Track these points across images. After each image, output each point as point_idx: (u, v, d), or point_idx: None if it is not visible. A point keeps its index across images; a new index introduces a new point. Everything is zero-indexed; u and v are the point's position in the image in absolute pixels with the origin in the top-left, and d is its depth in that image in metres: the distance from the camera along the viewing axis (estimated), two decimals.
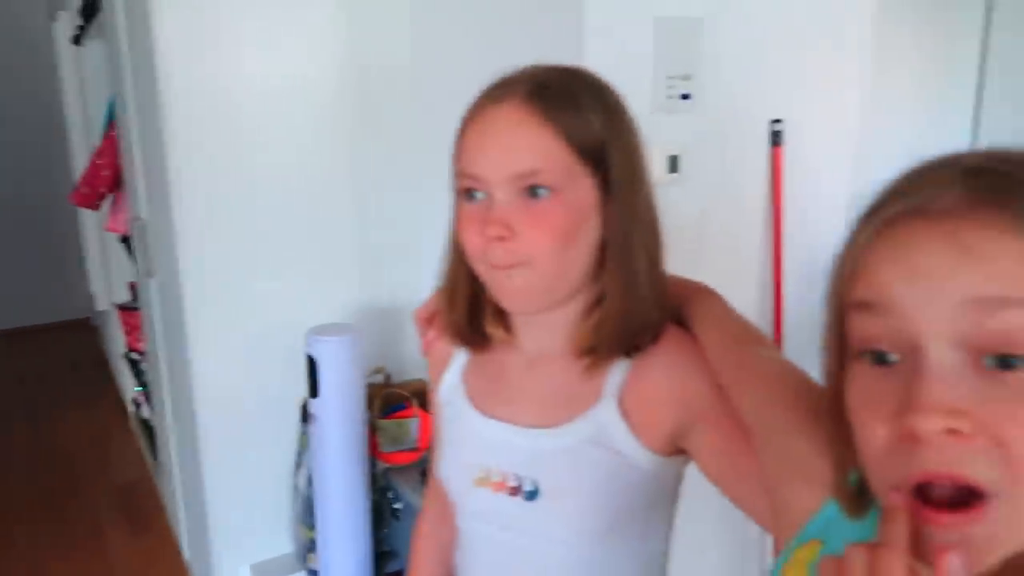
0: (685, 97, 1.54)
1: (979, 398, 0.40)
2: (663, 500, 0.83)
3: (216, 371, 1.77)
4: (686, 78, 1.54)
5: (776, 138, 1.65)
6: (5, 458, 3.11)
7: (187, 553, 2.28)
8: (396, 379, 1.91)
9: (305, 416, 1.67)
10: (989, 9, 2.27)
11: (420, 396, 1.79)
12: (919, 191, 0.45)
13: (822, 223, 1.72)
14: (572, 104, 0.73)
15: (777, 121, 1.64)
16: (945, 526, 0.41)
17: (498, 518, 0.82)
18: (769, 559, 1.73)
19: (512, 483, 0.80)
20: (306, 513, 1.71)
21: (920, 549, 0.42)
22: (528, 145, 0.72)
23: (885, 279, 0.44)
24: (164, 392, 2.23)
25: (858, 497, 0.51)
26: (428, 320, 0.92)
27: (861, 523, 0.52)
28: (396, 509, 1.71)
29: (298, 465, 1.76)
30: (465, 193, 0.76)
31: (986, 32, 2.25)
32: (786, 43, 1.63)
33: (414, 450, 1.77)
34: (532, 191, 0.72)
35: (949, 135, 2.13)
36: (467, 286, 0.83)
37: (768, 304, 1.66)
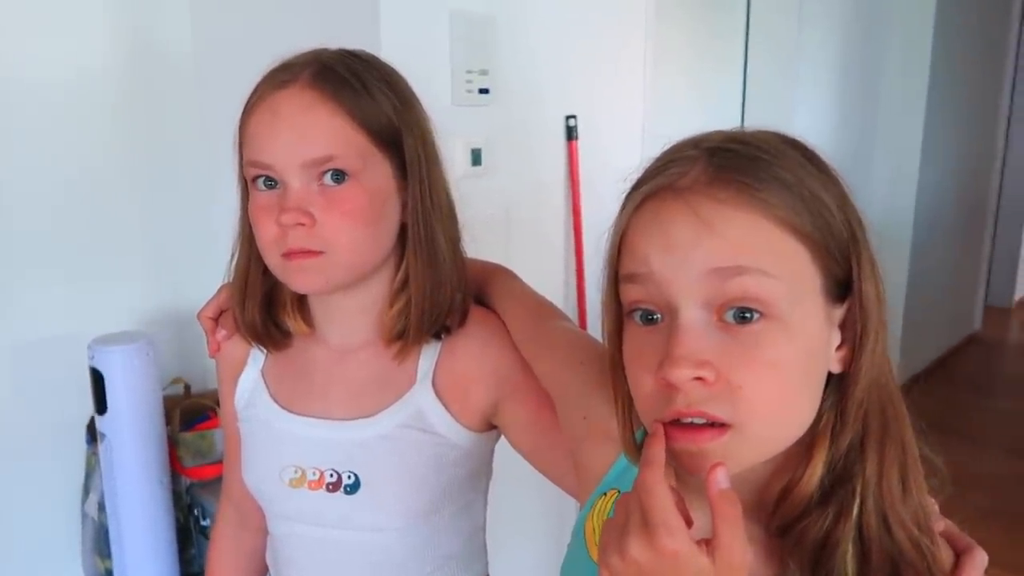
0: (484, 92, 1.57)
1: (720, 350, 0.48)
2: (480, 475, 0.86)
3: None
4: (483, 73, 1.57)
5: (571, 133, 1.73)
6: None
7: None
8: (197, 389, 1.79)
9: (93, 435, 1.53)
10: (749, 8, 2.52)
11: None
12: (668, 169, 0.51)
13: (616, 211, 1.83)
14: (361, 86, 0.72)
15: (571, 117, 1.72)
16: (687, 440, 0.49)
17: (318, 517, 0.80)
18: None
19: (331, 479, 0.79)
20: (100, 542, 1.56)
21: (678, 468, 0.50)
22: (320, 130, 0.70)
23: (643, 252, 0.51)
24: None
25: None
26: (215, 319, 0.87)
27: None
28: (204, 527, 1.61)
29: (87, 490, 1.60)
30: (255, 182, 0.73)
31: (748, 26, 2.51)
32: (574, 42, 1.71)
33: (221, 462, 1.66)
34: (329, 176, 0.70)
35: (720, 121, 2.35)
36: (260, 281, 0.79)
37: (572, 286, 1.75)
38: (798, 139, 0.54)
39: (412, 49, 1.43)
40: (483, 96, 1.56)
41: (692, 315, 0.48)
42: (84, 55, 1.63)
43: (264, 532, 0.91)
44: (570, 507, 1.89)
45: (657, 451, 0.47)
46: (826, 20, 3.05)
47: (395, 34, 1.42)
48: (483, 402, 0.79)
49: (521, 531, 1.79)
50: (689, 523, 0.46)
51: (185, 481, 1.64)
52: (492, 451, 0.86)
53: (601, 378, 0.65)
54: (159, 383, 1.52)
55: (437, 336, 0.79)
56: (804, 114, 2.90)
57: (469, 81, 1.53)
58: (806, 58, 2.90)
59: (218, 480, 1.64)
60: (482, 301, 0.85)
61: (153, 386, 1.49)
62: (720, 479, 0.46)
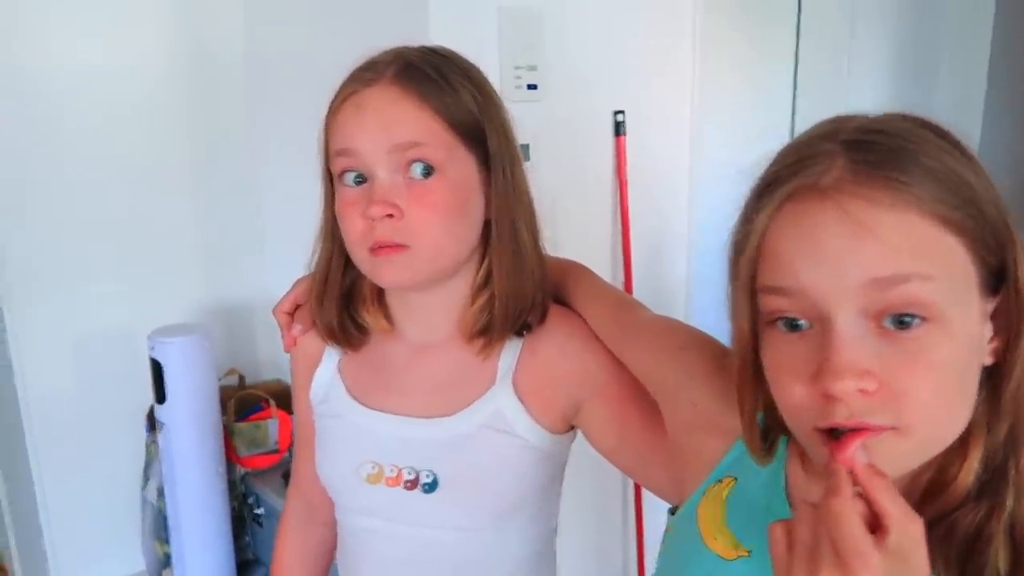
0: (532, 87, 1.58)
1: (881, 358, 0.46)
2: (556, 478, 0.84)
3: (45, 383, 1.64)
4: (532, 68, 1.57)
5: (619, 128, 1.72)
6: None
7: None
8: (251, 380, 1.84)
9: (152, 424, 1.58)
10: None
11: (277, 397, 1.73)
12: (806, 166, 0.48)
13: (664, 207, 1.82)
14: (444, 82, 0.72)
15: (619, 112, 1.72)
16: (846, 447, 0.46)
17: (394, 513, 0.79)
18: (631, 512, 1.75)
19: (409, 476, 0.78)
20: (159, 527, 1.61)
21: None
22: (407, 121, 0.70)
23: (789, 261, 0.48)
24: None
25: (764, 443, 0.56)
26: (291, 314, 0.87)
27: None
28: (258, 515, 1.65)
29: (147, 476, 1.66)
30: (343, 177, 0.72)
31: (799, 17, 2.46)
32: (622, 37, 1.71)
33: (274, 452, 1.71)
34: (415, 170, 0.70)
35: (771, 115, 2.32)
36: (340, 278, 0.79)
37: (620, 282, 1.74)
38: (930, 120, 0.51)
39: (461, 45, 1.43)
40: (531, 92, 1.56)
41: (848, 324, 0.46)
42: (143, 59, 1.68)
43: (331, 526, 0.90)
44: (612, 509, 1.89)
45: (839, 478, 0.45)
46: (880, 11, 2.99)
47: (444, 31, 1.44)
48: (564, 402, 0.77)
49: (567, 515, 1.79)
50: (874, 528, 0.44)
51: (240, 470, 1.69)
52: (568, 453, 0.84)
53: (705, 364, 0.64)
54: (215, 373, 1.57)
55: (518, 334, 0.77)
56: (857, 108, 2.83)
57: (518, 77, 1.54)
58: (859, 50, 2.84)
59: (271, 470, 1.69)
60: (558, 298, 0.82)
61: (210, 376, 1.53)
62: (861, 457, 0.45)
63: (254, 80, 1.82)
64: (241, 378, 1.80)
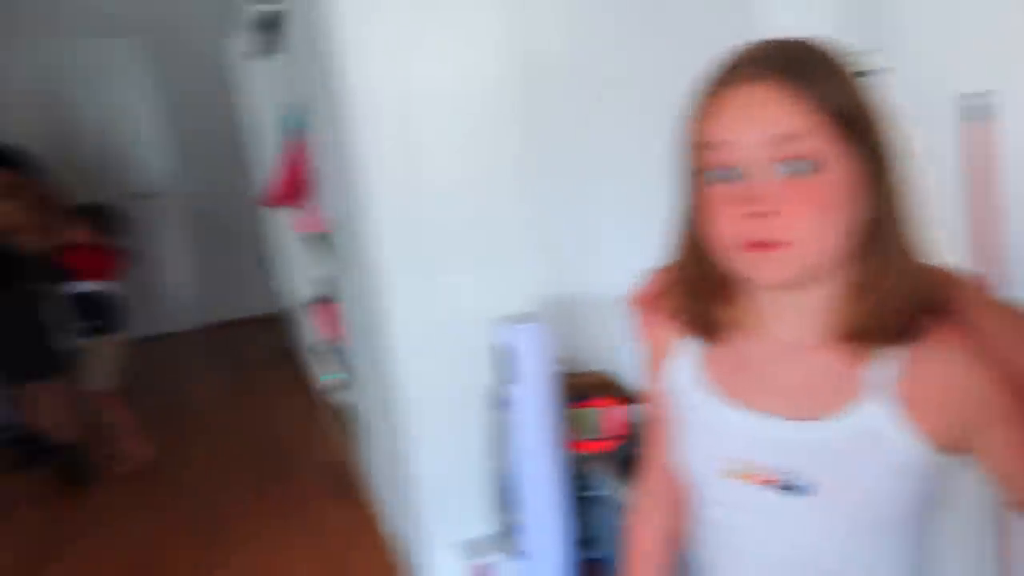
0: (871, 73, 1.49)
1: None
2: (935, 500, 0.79)
3: (415, 359, 1.89)
4: (871, 52, 1.48)
5: (983, 112, 1.54)
6: (223, 440, 3.53)
7: (393, 528, 2.47)
8: (577, 370, 1.96)
9: (499, 402, 1.76)
10: None
11: (601, 387, 1.84)
12: None
13: None
14: (821, 74, 0.69)
15: (982, 95, 1.54)
16: None
17: (758, 509, 0.79)
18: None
19: (776, 476, 0.77)
20: (506, 497, 1.80)
21: None
22: (786, 115, 0.68)
23: None
24: (367, 379, 2.40)
25: None
26: (648, 304, 0.89)
27: None
28: (590, 496, 1.77)
29: (496, 450, 1.85)
30: (712, 172, 0.72)
31: None
32: (977, 12, 1.53)
33: (600, 439, 1.82)
34: (794, 166, 0.68)
35: None
36: (699, 272, 0.79)
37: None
38: None
39: (792, 31, 1.39)
40: (870, 78, 1.48)
41: None
42: (482, 75, 1.86)
43: (683, 513, 0.93)
44: (989, 538, 1.67)
45: None
46: None
47: (773, 19, 1.40)
48: (951, 422, 0.72)
49: None
50: None
51: (571, 453, 1.82)
52: (950, 477, 0.77)
53: None
54: (555, 360, 1.71)
55: (895, 343, 0.73)
56: None
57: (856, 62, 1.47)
58: None
59: (598, 456, 1.79)
60: (939, 308, 0.76)
61: (551, 362, 1.67)
62: None
63: (582, 80, 1.92)
64: (569, 366, 1.93)
